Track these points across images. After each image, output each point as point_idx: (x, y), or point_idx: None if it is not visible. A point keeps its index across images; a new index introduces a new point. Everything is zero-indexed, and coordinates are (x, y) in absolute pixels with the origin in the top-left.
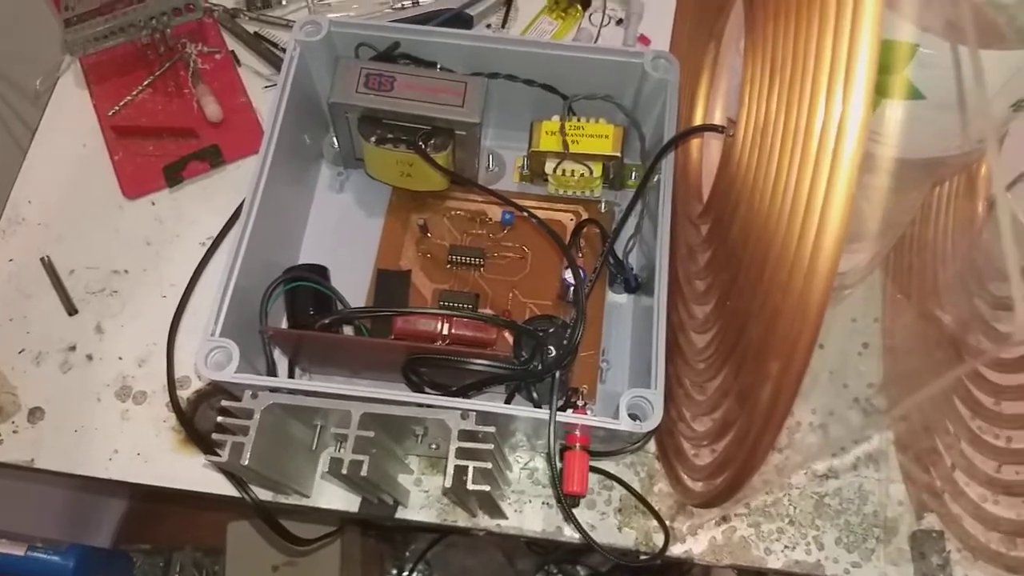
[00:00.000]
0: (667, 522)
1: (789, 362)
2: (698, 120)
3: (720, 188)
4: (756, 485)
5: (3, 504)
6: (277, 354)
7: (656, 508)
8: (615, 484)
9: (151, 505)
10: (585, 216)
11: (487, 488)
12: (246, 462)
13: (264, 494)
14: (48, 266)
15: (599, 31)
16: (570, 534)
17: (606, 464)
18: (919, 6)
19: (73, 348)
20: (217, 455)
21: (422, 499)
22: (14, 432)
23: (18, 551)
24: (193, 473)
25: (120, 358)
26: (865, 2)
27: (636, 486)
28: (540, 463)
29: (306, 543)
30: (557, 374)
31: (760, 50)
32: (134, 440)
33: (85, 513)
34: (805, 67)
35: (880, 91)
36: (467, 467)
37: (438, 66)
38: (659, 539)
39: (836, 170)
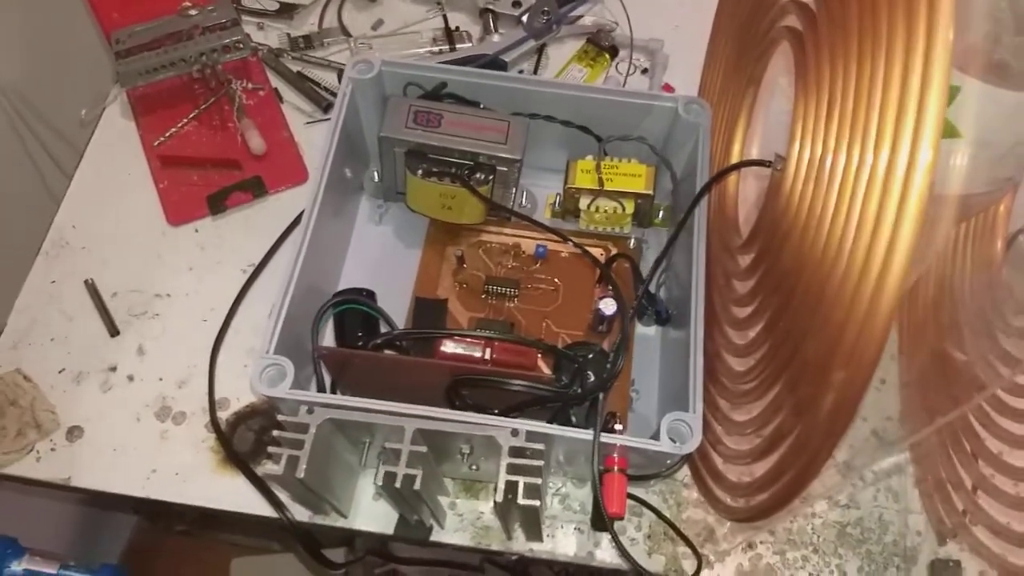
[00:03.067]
0: (697, 548)
1: (857, 369)
2: (736, 156)
3: (766, 221)
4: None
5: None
6: (323, 374)
7: (685, 535)
8: (644, 511)
9: (151, 538)
10: (615, 251)
11: (537, 503)
12: (301, 475)
13: (300, 515)
14: (92, 288)
15: (625, 79)
16: (601, 558)
17: (636, 490)
18: (961, 51)
19: (114, 369)
20: (266, 467)
21: (456, 522)
22: (52, 450)
23: (51, 569)
24: (231, 493)
25: (160, 379)
26: (936, 48)
27: (666, 513)
28: (572, 489)
29: (338, 567)
30: (600, 396)
31: (814, 91)
32: (172, 460)
33: (83, 550)
34: (869, 107)
35: None
36: (517, 482)
37: (481, 105)
38: (687, 565)
39: (908, 193)
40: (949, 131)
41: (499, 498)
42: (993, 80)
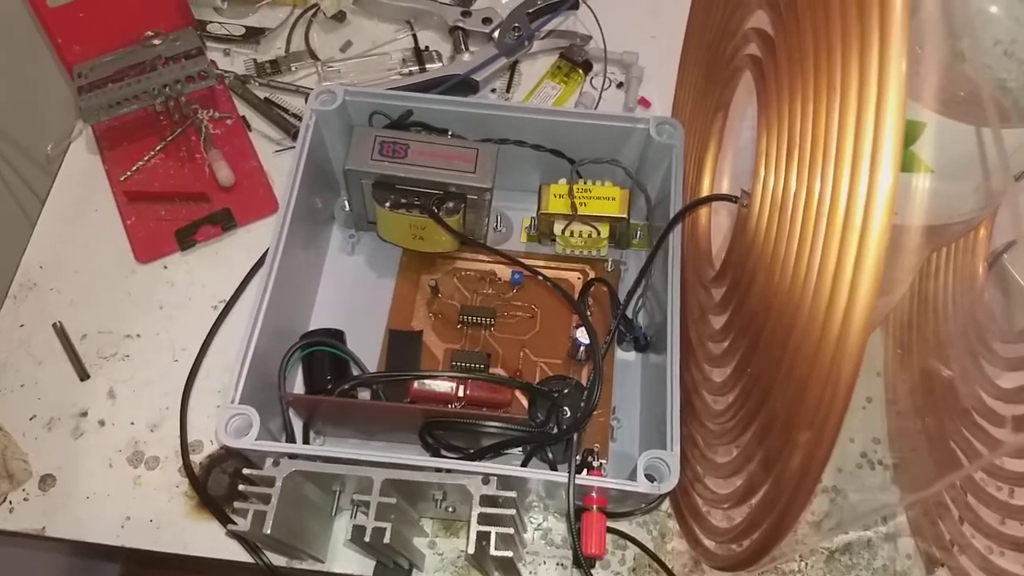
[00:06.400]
0: None
1: (820, 433)
2: (706, 187)
3: (735, 256)
4: (785, 550)
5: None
6: (292, 418)
7: (670, 567)
8: (628, 543)
9: (145, 570)
10: (592, 275)
11: (510, 554)
12: (268, 531)
13: (278, 559)
14: (60, 331)
15: (600, 94)
16: None
17: (619, 523)
18: (930, 88)
19: (85, 414)
20: (234, 522)
21: (436, 562)
22: (25, 500)
23: None
24: (207, 539)
25: (132, 423)
26: (889, 87)
27: (649, 544)
28: (553, 523)
29: None
30: (575, 436)
31: (775, 127)
32: (147, 506)
33: None
34: (827, 144)
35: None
36: (489, 533)
37: (449, 133)
38: None
39: (865, 242)
40: (917, 165)
41: (471, 549)
42: (959, 116)
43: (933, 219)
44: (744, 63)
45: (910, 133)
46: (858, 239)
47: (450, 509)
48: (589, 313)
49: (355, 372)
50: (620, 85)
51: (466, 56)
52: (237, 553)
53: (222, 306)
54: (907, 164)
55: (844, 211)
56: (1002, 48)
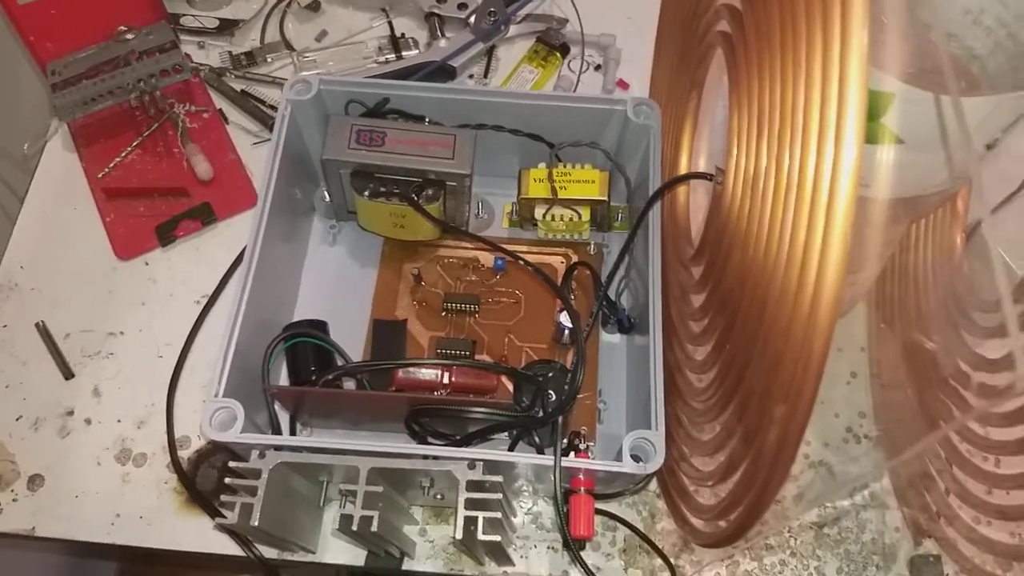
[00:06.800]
0: (671, 560)
1: (795, 406)
2: (683, 165)
3: (711, 234)
4: (771, 522)
5: None
6: (278, 410)
7: (660, 546)
8: (618, 525)
9: (140, 567)
10: (575, 258)
11: (498, 538)
12: (256, 523)
13: (269, 551)
14: (43, 331)
15: (578, 77)
16: None
17: (610, 505)
18: (897, 58)
19: (71, 413)
20: (223, 516)
21: (428, 549)
22: (14, 500)
23: None
24: (197, 534)
25: (119, 421)
26: (851, 59)
27: (639, 525)
28: (543, 507)
29: None
30: (559, 419)
31: (746, 104)
32: (136, 503)
33: None
34: (794, 119)
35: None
36: (476, 517)
37: (427, 120)
38: None
39: (832, 216)
40: (886, 137)
41: (459, 534)
42: (929, 86)
43: (905, 191)
44: (716, 40)
45: (878, 105)
46: (825, 212)
47: (439, 496)
48: (573, 297)
49: (340, 362)
50: (598, 68)
51: (442, 42)
52: (228, 547)
53: (205, 301)
54: (875, 136)
55: (812, 185)
56: (971, 17)
